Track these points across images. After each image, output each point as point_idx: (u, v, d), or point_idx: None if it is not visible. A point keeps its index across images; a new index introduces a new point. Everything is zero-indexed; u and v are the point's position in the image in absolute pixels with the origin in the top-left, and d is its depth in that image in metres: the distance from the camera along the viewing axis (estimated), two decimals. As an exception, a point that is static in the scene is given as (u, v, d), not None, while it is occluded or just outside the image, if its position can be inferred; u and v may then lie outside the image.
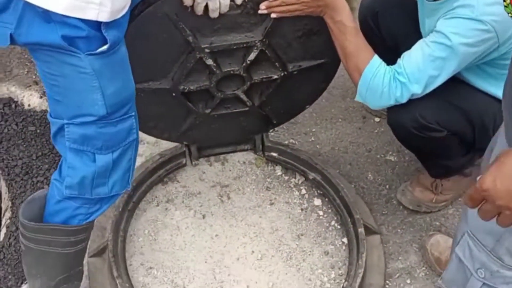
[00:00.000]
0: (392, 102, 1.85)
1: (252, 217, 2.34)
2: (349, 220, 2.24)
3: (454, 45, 1.72)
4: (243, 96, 2.10)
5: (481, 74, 1.90)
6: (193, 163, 2.46)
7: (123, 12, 1.41)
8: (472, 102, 1.91)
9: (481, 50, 1.75)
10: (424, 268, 2.22)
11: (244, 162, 2.50)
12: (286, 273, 2.20)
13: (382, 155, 2.59)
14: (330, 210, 2.37)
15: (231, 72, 1.97)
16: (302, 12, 1.83)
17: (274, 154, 2.46)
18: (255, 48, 1.91)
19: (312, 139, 2.65)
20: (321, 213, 2.37)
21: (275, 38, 1.93)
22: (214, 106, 2.11)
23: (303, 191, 2.43)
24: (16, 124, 2.58)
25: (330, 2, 1.80)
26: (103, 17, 1.35)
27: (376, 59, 1.84)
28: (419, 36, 1.91)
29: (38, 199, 1.71)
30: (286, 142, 2.59)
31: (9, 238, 2.27)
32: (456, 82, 1.92)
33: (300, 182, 2.45)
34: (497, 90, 1.85)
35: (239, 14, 1.82)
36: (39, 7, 1.32)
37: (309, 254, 2.25)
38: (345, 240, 2.28)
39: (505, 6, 1.17)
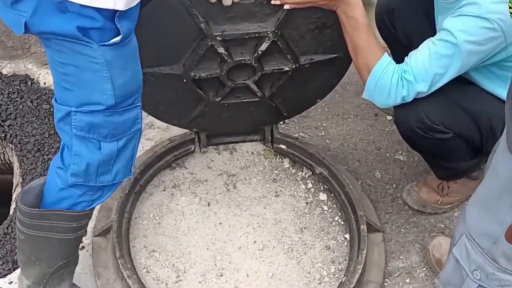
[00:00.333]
0: (398, 101, 1.85)
1: (257, 208, 2.35)
2: (352, 216, 2.24)
3: (459, 43, 1.72)
4: (253, 86, 2.11)
5: (490, 76, 1.89)
6: (202, 150, 2.48)
7: (137, 1, 1.43)
8: (480, 105, 1.90)
9: (488, 49, 1.74)
10: (424, 269, 2.22)
11: (252, 153, 2.52)
12: (286, 265, 2.21)
13: (392, 154, 2.59)
14: (334, 206, 2.38)
15: (242, 61, 1.98)
16: (314, 4, 1.83)
17: (283, 147, 2.47)
18: (267, 38, 1.92)
19: (323, 133, 2.65)
20: (325, 208, 2.38)
21: (288, 30, 1.94)
22: (225, 94, 2.12)
23: (309, 185, 2.43)
24: (31, 101, 2.61)
25: (344, -4, 1.80)
26: (120, 5, 1.37)
27: (386, 58, 1.84)
28: (433, 35, 1.90)
29: (35, 187, 1.73)
30: (296, 135, 2.60)
31: (18, 213, 2.32)
32: (464, 84, 1.91)
33: (307, 175, 2.46)
34: (505, 93, 1.83)
35: (252, 3, 1.83)
36: None
37: (310, 248, 2.26)
38: (347, 236, 2.28)
39: (510, 13, 1.16)
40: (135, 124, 1.61)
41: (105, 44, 1.42)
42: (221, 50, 1.92)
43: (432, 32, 1.96)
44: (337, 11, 1.85)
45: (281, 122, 2.57)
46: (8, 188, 2.66)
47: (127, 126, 1.59)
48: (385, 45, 2.37)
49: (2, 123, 2.56)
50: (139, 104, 1.61)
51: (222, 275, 2.18)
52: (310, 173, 2.46)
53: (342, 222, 2.33)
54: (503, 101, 1.87)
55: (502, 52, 1.77)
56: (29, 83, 2.69)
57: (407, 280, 2.20)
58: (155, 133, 2.55)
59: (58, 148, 2.45)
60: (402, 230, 2.34)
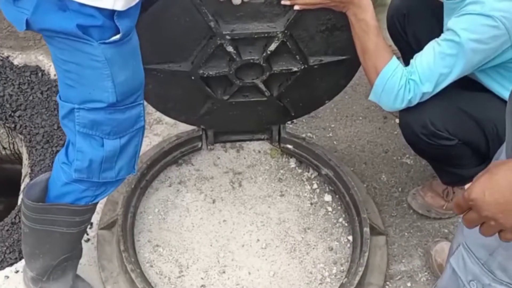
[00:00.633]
0: (404, 104, 1.85)
1: (261, 207, 2.36)
2: (356, 218, 2.25)
3: (462, 41, 1.71)
4: (261, 86, 2.12)
5: (496, 77, 1.88)
6: (209, 147, 2.49)
7: (136, 1, 1.44)
8: (485, 110, 1.89)
9: (492, 48, 1.73)
10: (426, 273, 2.22)
11: (259, 151, 2.53)
12: (288, 264, 2.22)
13: (399, 157, 2.59)
14: (339, 207, 2.38)
15: (251, 60, 1.99)
16: (325, 6, 1.83)
17: (290, 146, 2.47)
18: (276, 39, 1.93)
19: (330, 134, 2.65)
20: (330, 209, 2.38)
21: (298, 30, 1.94)
22: (232, 93, 2.13)
23: (315, 186, 2.44)
24: (41, 93, 2.63)
25: (354, -1, 1.80)
26: (119, 5, 1.38)
27: (395, 61, 1.84)
28: None
29: (40, 182, 1.75)
30: (304, 135, 2.60)
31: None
32: (470, 90, 1.90)
33: (312, 176, 2.47)
34: None
35: (262, 3, 1.83)
36: None
37: (313, 248, 2.26)
38: (350, 237, 2.29)
39: None
40: (138, 122, 1.62)
41: (105, 42, 1.43)
42: (230, 49, 1.93)
43: None
44: (347, 13, 1.85)
45: (289, 122, 2.57)
46: (17, 178, 2.68)
47: (129, 124, 1.60)
48: (394, 47, 2.37)
49: (12, 114, 2.58)
50: (142, 102, 1.62)
51: (224, 272, 2.19)
52: (316, 173, 2.46)
53: (346, 224, 2.34)
54: (510, 106, 1.86)
55: (508, 51, 1.75)
56: (40, 74, 2.70)
57: (408, 284, 2.20)
58: (163, 128, 2.56)
59: (67, 140, 2.49)
60: (406, 234, 2.34)
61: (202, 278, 2.17)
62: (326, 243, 2.28)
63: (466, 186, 1.10)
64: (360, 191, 2.32)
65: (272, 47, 1.95)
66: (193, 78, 2.02)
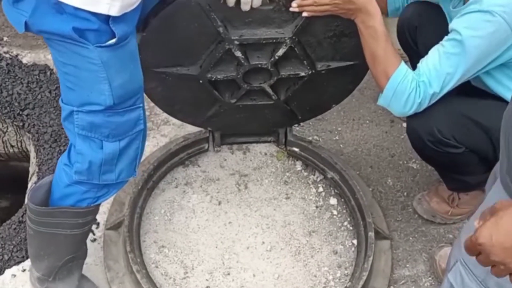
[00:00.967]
0: (414, 108, 1.85)
1: (267, 209, 2.38)
2: (361, 223, 2.26)
3: (464, 39, 1.73)
4: (269, 90, 2.12)
5: (503, 79, 1.88)
6: (215, 149, 2.50)
7: (133, 7, 1.45)
8: (493, 118, 1.88)
9: (494, 44, 1.74)
10: (430, 278, 2.23)
11: (265, 154, 2.54)
12: (293, 267, 2.23)
13: (405, 162, 2.59)
14: (344, 211, 2.39)
15: (259, 65, 1.99)
16: (333, 13, 1.84)
17: (296, 149, 2.48)
18: (284, 44, 1.93)
19: (337, 137, 2.66)
20: (335, 212, 2.39)
21: (306, 36, 1.95)
22: (240, 96, 2.14)
23: (320, 189, 2.45)
24: (50, 92, 2.65)
25: (362, 6, 1.80)
26: (114, 11, 1.39)
27: (404, 65, 1.85)
28: None
29: (44, 185, 1.77)
30: (310, 138, 2.61)
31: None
32: (477, 98, 1.91)
33: (318, 179, 2.48)
34: None
35: (271, 9, 1.84)
36: None
37: (318, 251, 2.28)
38: (355, 241, 2.29)
39: None
40: (137, 125, 1.63)
41: (101, 46, 1.43)
42: (238, 53, 1.93)
43: None
44: (356, 21, 1.85)
45: (296, 125, 2.58)
46: (24, 175, 2.70)
47: (128, 127, 1.61)
48: (401, 51, 2.36)
49: (20, 112, 2.60)
50: (141, 105, 1.63)
51: (229, 274, 2.20)
52: (321, 177, 2.47)
53: (351, 228, 2.35)
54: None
55: None
56: (48, 73, 2.72)
57: (412, 289, 2.21)
58: (170, 129, 2.57)
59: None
60: (411, 238, 2.35)
61: (207, 280, 2.19)
62: (331, 247, 2.29)
63: (473, 221, 1.10)
64: (365, 195, 2.33)
65: (280, 52, 1.96)
66: (201, 81, 2.03)
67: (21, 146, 2.76)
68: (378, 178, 2.52)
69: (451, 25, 1.80)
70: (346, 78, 2.17)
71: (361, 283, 2.07)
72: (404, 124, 2.68)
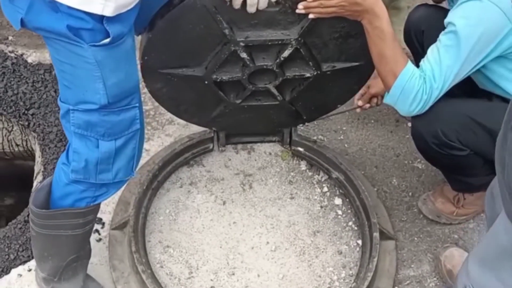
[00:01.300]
0: (420, 107, 1.85)
1: (271, 209, 2.38)
2: (366, 223, 2.26)
3: (459, 29, 1.75)
4: (274, 91, 2.12)
5: (505, 73, 1.89)
6: (220, 149, 2.50)
7: (129, 8, 1.44)
8: (497, 120, 1.88)
9: (489, 30, 1.75)
10: (435, 279, 2.23)
11: (270, 154, 2.54)
12: (297, 267, 2.23)
13: (410, 162, 2.59)
14: (349, 211, 2.39)
15: (264, 66, 1.99)
16: (340, 14, 1.83)
17: (300, 149, 2.48)
18: (290, 46, 1.93)
19: (342, 137, 2.66)
20: (340, 212, 2.39)
21: (311, 38, 1.94)
22: (245, 97, 2.14)
23: (325, 189, 2.45)
24: (55, 91, 2.65)
25: (369, 8, 1.80)
26: (108, 11, 1.39)
27: (411, 64, 1.85)
28: None
29: (45, 187, 1.78)
30: (315, 137, 2.61)
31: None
32: (481, 100, 1.90)
33: (323, 179, 2.48)
34: None
35: (277, 11, 1.83)
36: None
37: (322, 251, 2.28)
38: (360, 242, 2.30)
39: None
40: (134, 124, 1.63)
41: (95, 45, 1.44)
42: (243, 55, 1.93)
43: None
44: (362, 22, 1.84)
45: (300, 125, 2.58)
46: (29, 174, 2.71)
47: (124, 126, 1.62)
48: (407, 49, 2.36)
49: (26, 112, 2.60)
50: (137, 105, 1.63)
51: (233, 274, 2.21)
52: (326, 177, 2.47)
53: (356, 228, 2.35)
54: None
55: (510, 36, 1.77)
56: (54, 72, 2.71)
57: (417, 289, 2.22)
58: (175, 129, 2.58)
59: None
60: (416, 239, 2.35)
61: (211, 280, 2.19)
62: (336, 247, 2.30)
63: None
64: (370, 195, 2.33)
65: (286, 53, 1.95)
66: (206, 82, 2.03)
67: (26, 145, 2.76)
68: (383, 178, 2.52)
69: (446, 19, 1.82)
70: (351, 79, 2.17)
71: (366, 283, 2.08)
72: (409, 124, 2.68)
